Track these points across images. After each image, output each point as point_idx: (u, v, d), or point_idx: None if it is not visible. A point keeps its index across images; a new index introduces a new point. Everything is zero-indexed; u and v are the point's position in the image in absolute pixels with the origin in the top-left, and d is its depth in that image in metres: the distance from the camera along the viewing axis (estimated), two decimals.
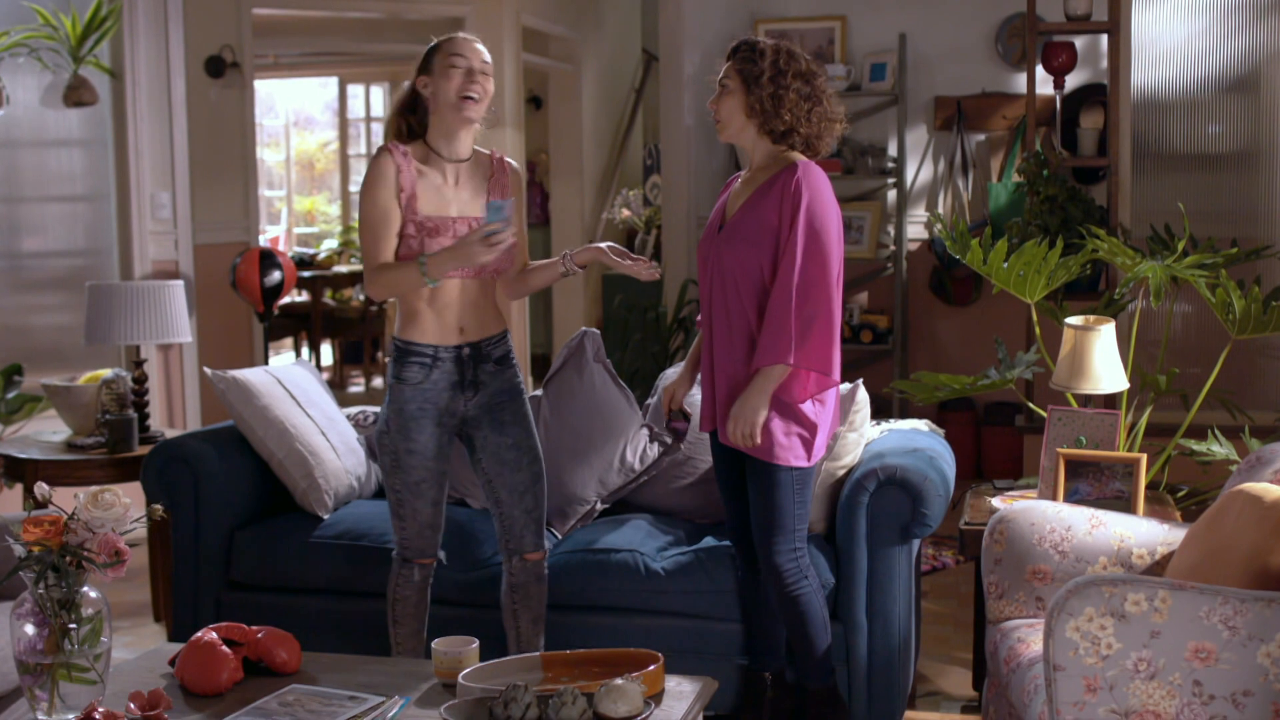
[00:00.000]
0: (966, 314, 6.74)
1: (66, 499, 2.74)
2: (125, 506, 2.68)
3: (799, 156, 3.34)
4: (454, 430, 3.46)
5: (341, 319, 9.97)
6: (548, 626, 3.64)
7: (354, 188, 12.67)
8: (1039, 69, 6.06)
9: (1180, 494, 4.29)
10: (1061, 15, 5.85)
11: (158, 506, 2.78)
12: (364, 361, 10.37)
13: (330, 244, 12.14)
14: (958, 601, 4.87)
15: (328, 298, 10.13)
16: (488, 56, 3.38)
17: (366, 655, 3.21)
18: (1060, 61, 5.78)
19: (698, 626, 3.65)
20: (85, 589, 2.68)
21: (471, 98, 3.32)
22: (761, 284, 3.30)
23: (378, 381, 10.26)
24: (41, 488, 2.71)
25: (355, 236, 12.31)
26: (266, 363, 6.47)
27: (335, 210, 12.98)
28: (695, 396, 4.12)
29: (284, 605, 3.88)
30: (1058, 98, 5.93)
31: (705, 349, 3.43)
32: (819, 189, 3.26)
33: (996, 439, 6.53)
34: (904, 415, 6.39)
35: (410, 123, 3.41)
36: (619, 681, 2.54)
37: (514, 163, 3.52)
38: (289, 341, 10.34)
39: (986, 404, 6.63)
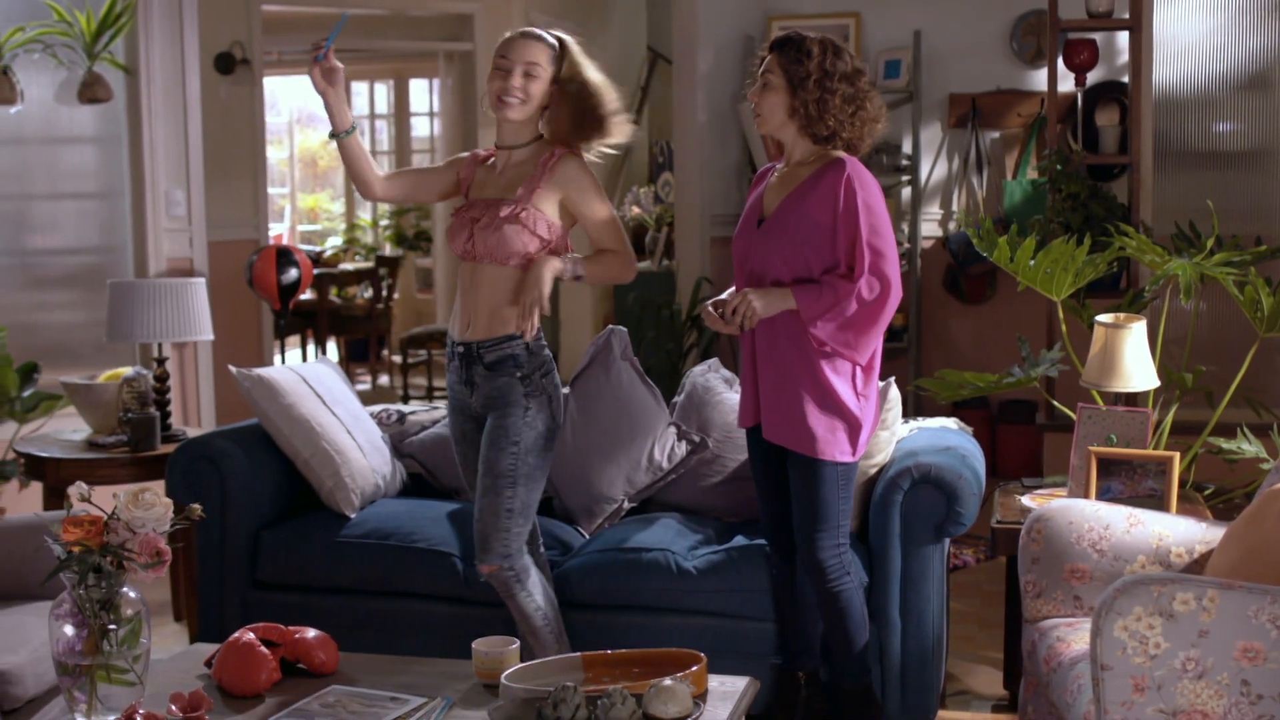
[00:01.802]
0: (980, 312, 6.73)
1: (92, 498, 2.71)
2: (166, 506, 2.66)
3: (841, 153, 3.33)
4: (477, 421, 3.47)
5: (347, 317, 9.94)
6: (576, 625, 3.61)
7: None
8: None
9: (1207, 492, 4.28)
10: (1078, 12, 5.83)
11: (196, 506, 2.75)
12: (369, 359, 10.33)
13: (335, 241, 12.11)
14: (981, 600, 4.86)
15: (333, 295, 10.09)
16: (535, 54, 3.35)
17: (400, 655, 3.19)
18: (1082, 59, 5.77)
19: (730, 626, 3.63)
20: (124, 589, 2.66)
21: (505, 100, 3.35)
22: (807, 279, 3.28)
23: (384, 379, 10.23)
24: (81, 487, 2.68)
25: (359, 234, 12.28)
26: (284, 361, 6.45)
27: (339, 208, 12.94)
28: (736, 400, 4.11)
29: (311, 605, 3.86)
30: (1079, 95, 5.91)
31: (745, 345, 3.40)
32: (872, 187, 3.26)
33: (1011, 437, 6.52)
34: (918, 413, 6.37)
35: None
36: (668, 682, 2.52)
37: (575, 154, 3.38)
38: (294, 339, 10.29)
39: (1001, 402, 6.61)
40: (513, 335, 3.37)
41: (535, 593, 3.44)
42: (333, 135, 3.43)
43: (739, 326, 3.29)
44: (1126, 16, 5.76)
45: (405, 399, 9.17)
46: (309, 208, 13.29)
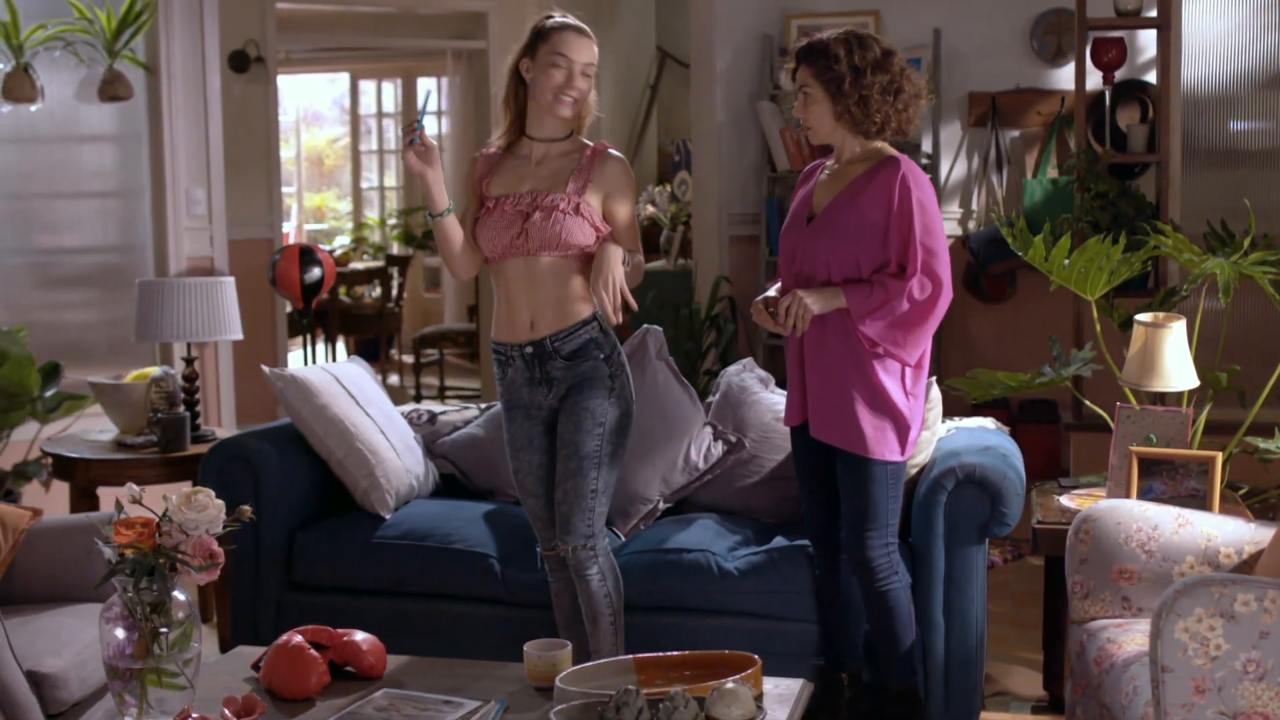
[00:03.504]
0: (1000, 311, 6.71)
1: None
2: (219, 508, 2.64)
3: (892, 150, 3.32)
4: (549, 422, 3.44)
5: (357, 316, 9.90)
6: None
7: (365, 184, 12.61)
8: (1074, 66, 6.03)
9: (1241, 491, 4.26)
10: (1103, 10, 5.81)
11: (246, 508, 2.72)
12: (380, 359, 10.30)
13: (342, 240, 12.08)
14: (1012, 601, 4.83)
15: (342, 294, 10.06)
16: (593, 55, 3.35)
17: (438, 657, 3.16)
18: (1110, 57, 5.75)
19: (771, 627, 3.60)
20: (175, 592, 2.63)
21: (563, 99, 3.33)
22: (856, 278, 3.26)
23: (394, 379, 10.19)
24: (132, 488, 2.65)
25: (366, 233, 12.24)
26: (307, 360, 6.43)
27: (346, 207, 12.90)
28: (773, 400, 4.09)
29: (346, 606, 3.83)
30: (1106, 93, 5.89)
31: (792, 343, 3.38)
32: (926, 186, 3.25)
33: (1031, 437, 6.47)
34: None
35: (521, 97, 3.41)
36: (730, 685, 2.49)
37: (616, 154, 3.41)
38: (301, 339, 10.25)
39: (1021, 402, 6.59)
40: (586, 320, 3.36)
41: (608, 578, 3.42)
42: (430, 216, 3.40)
43: (791, 328, 3.26)
44: (1154, 15, 5.73)
45: (418, 398, 9.14)
46: (315, 207, 13.25)
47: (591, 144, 3.43)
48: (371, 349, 10.36)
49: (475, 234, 3.43)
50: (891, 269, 3.25)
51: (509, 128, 3.44)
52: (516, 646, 3.50)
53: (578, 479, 3.35)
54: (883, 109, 3.25)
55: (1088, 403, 4.56)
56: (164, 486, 4.04)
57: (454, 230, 3.41)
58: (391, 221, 12.10)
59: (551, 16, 3.39)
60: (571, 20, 3.38)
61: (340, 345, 10.18)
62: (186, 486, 4.32)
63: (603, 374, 3.37)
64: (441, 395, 9.34)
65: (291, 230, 12.41)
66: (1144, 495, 3.68)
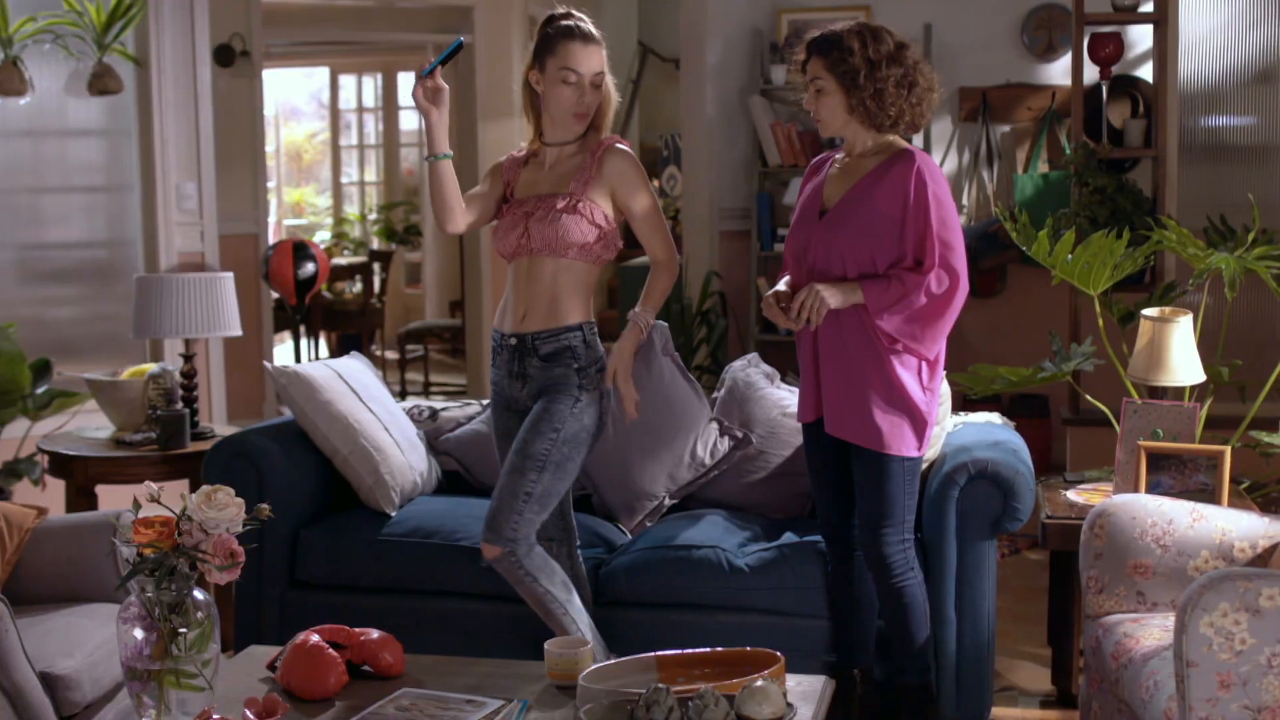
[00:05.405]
0: (991, 306, 6.71)
1: (120, 497, 2.64)
2: (239, 506, 2.60)
3: (904, 143, 3.31)
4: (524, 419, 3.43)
5: (339, 311, 9.85)
6: (625, 624, 3.56)
7: (345, 179, 12.54)
8: (1065, 61, 6.04)
9: (1243, 486, 4.27)
10: (1098, 5, 5.82)
11: (265, 506, 2.68)
12: (362, 354, 10.24)
13: (322, 236, 12.01)
14: (1012, 596, 4.83)
15: (323, 290, 9.99)
16: (601, 62, 3.34)
17: (452, 655, 3.13)
18: (1107, 52, 5.76)
19: (782, 623, 3.59)
20: (194, 592, 2.60)
21: (578, 116, 3.34)
22: (871, 272, 3.25)
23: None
24: (150, 486, 2.61)
25: (347, 228, 12.18)
26: (299, 358, 6.38)
27: (325, 202, 12.82)
28: (779, 395, 4.07)
29: (351, 604, 3.79)
30: (1104, 88, 5.90)
31: (805, 339, 3.36)
32: (940, 179, 3.24)
33: (1023, 432, 6.43)
34: None
35: (537, 105, 3.43)
36: (760, 683, 2.48)
37: (621, 148, 3.39)
38: (282, 335, 10.17)
39: (1013, 396, 6.60)
40: (571, 327, 3.35)
41: (539, 577, 3.32)
42: (427, 158, 3.36)
43: (805, 322, 3.24)
44: (1150, 9, 5.74)
45: (403, 394, 9.09)
46: (293, 202, 13.17)
47: (601, 139, 3.41)
48: (354, 345, 10.28)
49: (492, 235, 3.49)
50: (907, 263, 3.23)
51: (533, 135, 3.45)
52: (523, 643, 3.50)
53: (515, 477, 3.29)
54: (897, 102, 3.24)
55: (1088, 397, 4.57)
56: (164, 484, 3.99)
57: (448, 177, 3.37)
58: (372, 216, 12.04)
59: (553, 17, 3.36)
60: (577, 25, 3.34)
61: (322, 341, 10.12)
62: (186, 484, 4.31)
63: (570, 383, 3.34)
64: (426, 391, 9.29)
65: (271, 225, 12.33)
66: (1152, 490, 3.69)
